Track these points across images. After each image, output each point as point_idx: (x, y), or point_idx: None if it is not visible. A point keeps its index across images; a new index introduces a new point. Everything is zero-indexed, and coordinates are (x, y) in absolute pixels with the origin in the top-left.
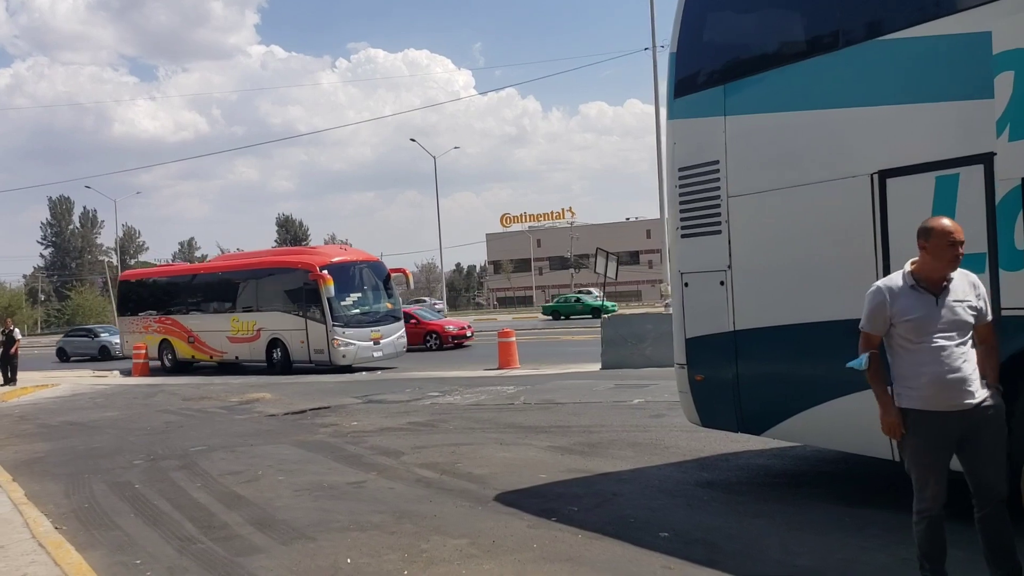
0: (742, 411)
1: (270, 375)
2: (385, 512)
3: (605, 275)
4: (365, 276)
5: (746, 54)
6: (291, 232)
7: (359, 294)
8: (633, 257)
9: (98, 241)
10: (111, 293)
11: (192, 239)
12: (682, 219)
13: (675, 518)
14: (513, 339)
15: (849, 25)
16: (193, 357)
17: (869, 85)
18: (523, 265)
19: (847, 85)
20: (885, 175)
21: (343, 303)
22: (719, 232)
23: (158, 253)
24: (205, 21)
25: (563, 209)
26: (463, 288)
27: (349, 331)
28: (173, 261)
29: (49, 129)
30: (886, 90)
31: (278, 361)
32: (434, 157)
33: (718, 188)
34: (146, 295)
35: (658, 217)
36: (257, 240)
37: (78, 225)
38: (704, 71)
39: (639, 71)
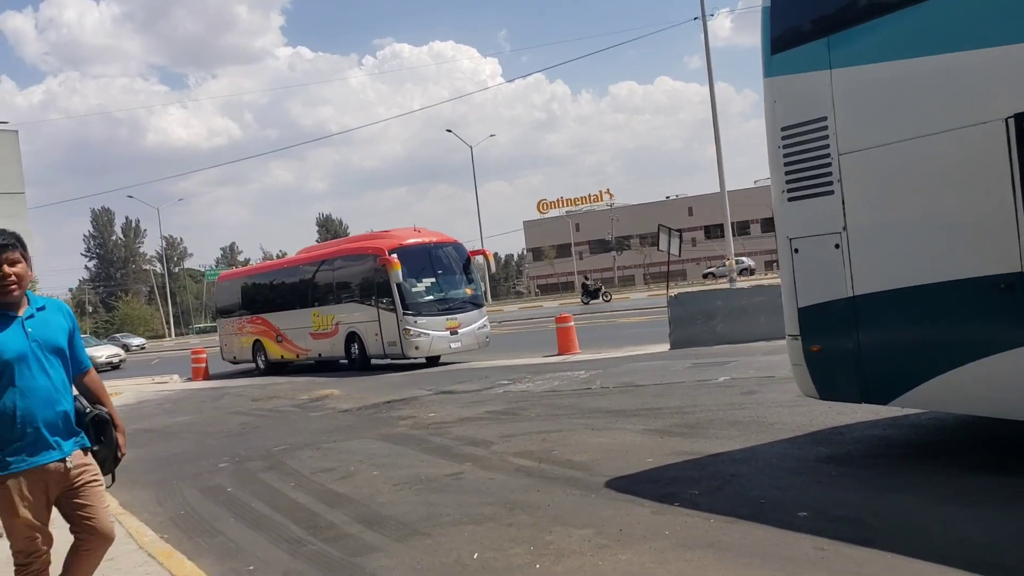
0: (866, 380)
1: (347, 373)
2: (495, 504)
3: (669, 252)
4: (440, 259)
5: (851, 3)
6: (331, 231)
7: (432, 279)
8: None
9: (141, 250)
10: (158, 301)
11: (233, 244)
12: (788, 181)
13: (808, 496)
14: (572, 323)
15: None
16: (282, 357)
17: (1002, 22)
18: (563, 251)
19: (975, 25)
20: (1022, 118)
21: (414, 289)
22: (831, 192)
23: (201, 260)
24: (231, 26)
25: (600, 192)
26: (502, 278)
27: (422, 320)
28: (217, 267)
29: (84, 143)
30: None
31: (356, 356)
32: (470, 147)
33: (827, 146)
34: (238, 295)
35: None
36: (299, 241)
37: (120, 236)
38: (804, 24)
39: (667, 48)
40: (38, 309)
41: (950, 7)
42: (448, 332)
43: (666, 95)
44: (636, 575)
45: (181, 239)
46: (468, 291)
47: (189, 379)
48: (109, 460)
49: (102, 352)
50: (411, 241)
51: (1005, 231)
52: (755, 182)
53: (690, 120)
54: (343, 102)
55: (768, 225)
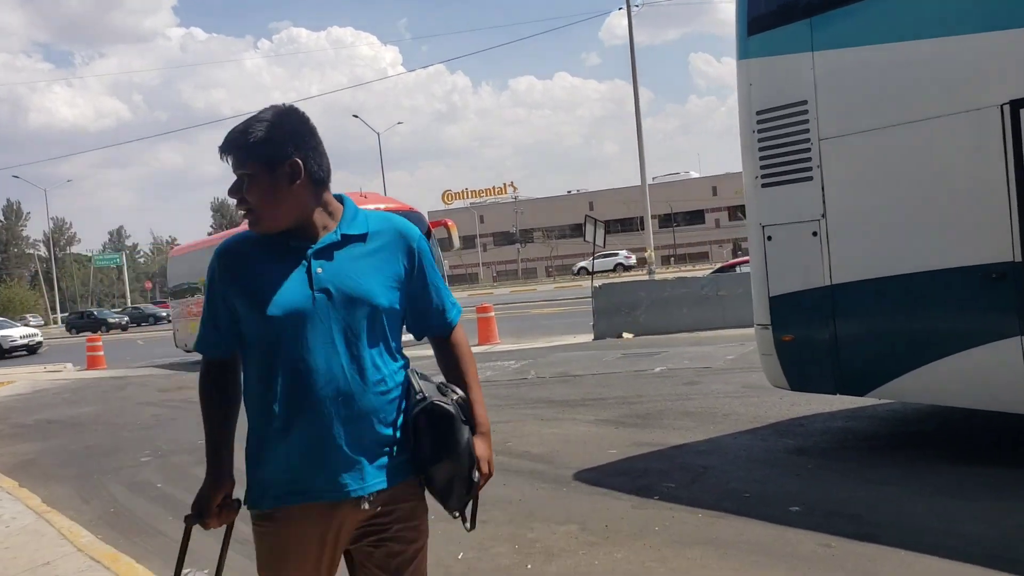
0: (842, 372)
1: None
2: None
3: (594, 243)
4: None
5: None
6: (227, 217)
7: None
8: (576, 230)
9: (24, 233)
10: (41, 286)
11: (122, 228)
12: (763, 167)
13: (792, 490)
14: (492, 314)
15: None
16: None
17: (1002, 6)
18: (467, 242)
19: (972, 9)
20: (1019, 105)
21: None
22: (809, 179)
23: (88, 244)
24: (120, 3)
25: (505, 184)
26: None
27: None
28: (104, 252)
29: None
30: (1018, 11)
31: None
32: (378, 133)
33: (807, 131)
34: (189, 272)
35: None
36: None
37: (1, 218)
38: (784, 4)
39: (565, 44)
40: (349, 237)
41: None
42: None
43: (564, 91)
44: (638, 575)
45: (70, 223)
46: None
47: (83, 368)
48: (456, 488)
49: (16, 333)
50: None
51: (998, 220)
52: (653, 178)
53: (588, 117)
54: (237, 85)
55: (665, 221)
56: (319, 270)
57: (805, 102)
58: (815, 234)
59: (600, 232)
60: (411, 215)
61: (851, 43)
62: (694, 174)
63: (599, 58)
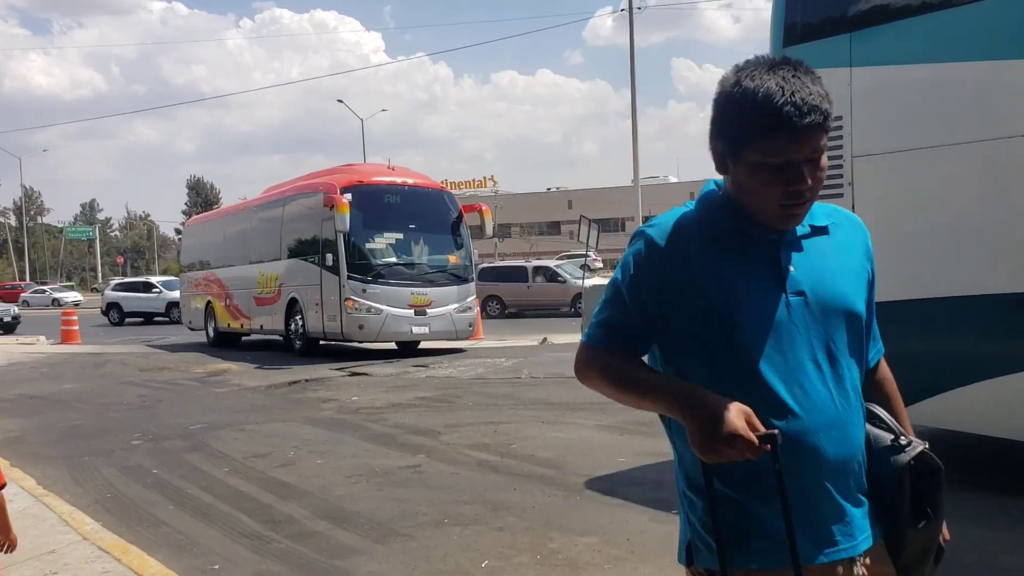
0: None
1: (284, 355)
2: (473, 502)
3: (587, 243)
4: (415, 208)
5: (882, 0)
6: (202, 195)
7: (400, 235)
8: (554, 227)
9: None
10: (11, 255)
11: (94, 200)
12: None
13: None
14: (477, 309)
15: None
16: (229, 325)
17: None
18: None
19: (1017, 34)
20: None
21: (369, 245)
22: (840, 195)
23: (59, 216)
24: None
25: (485, 178)
26: None
27: (374, 289)
28: (75, 224)
29: None
30: None
31: (297, 334)
32: (361, 119)
33: (840, 147)
34: (199, 245)
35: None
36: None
37: None
38: (825, 17)
39: (549, 42)
40: (816, 229)
41: (995, 13)
42: (411, 311)
43: (547, 88)
44: None
45: (39, 193)
46: (451, 258)
47: (56, 342)
48: (926, 559)
49: None
50: (376, 179)
51: None
52: (631, 181)
53: (569, 114)
54: (218, 63)
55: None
56: (792, 268)
57: (840, 118)
58: None
59: (594, 234)
60: (441, 195)
61: (892, 61)
62: (672, 179)
63: (582, 57)
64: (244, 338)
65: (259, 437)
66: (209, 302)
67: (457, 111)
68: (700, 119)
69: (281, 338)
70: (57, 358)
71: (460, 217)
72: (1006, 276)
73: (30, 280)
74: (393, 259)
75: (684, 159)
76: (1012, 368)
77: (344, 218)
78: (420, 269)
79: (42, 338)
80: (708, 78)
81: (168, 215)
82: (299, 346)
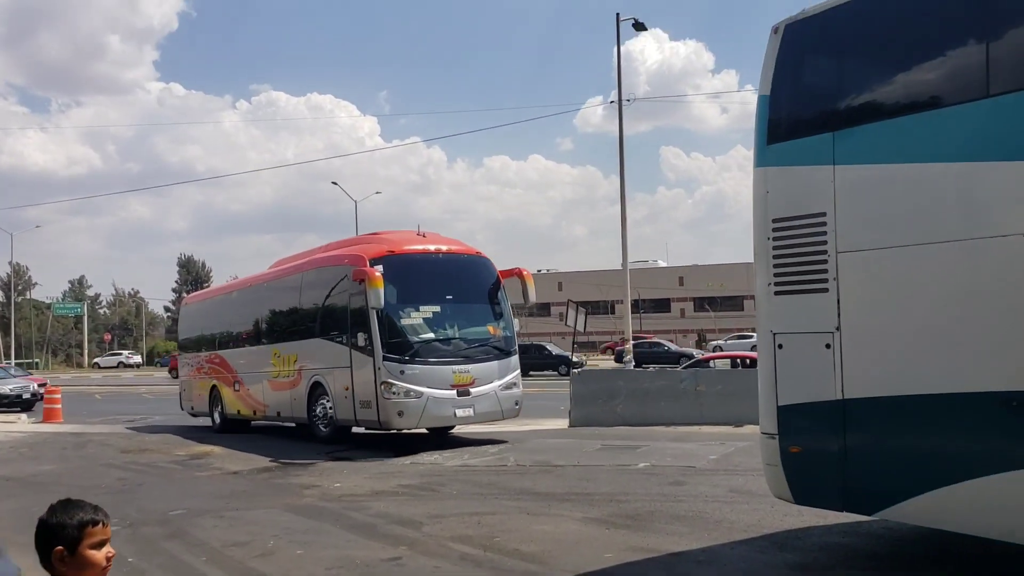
0: (850, 489)
1: (282, 437)
2: None
3: (575, 327)
4: (451, 277)
5: (864, 99)
6: (192, 273)
7: (437, 307)
8: (544, 309)
9: None
10: None
11: (83, 277)
12: (776, 274)
13: None
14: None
15: (1004, 71)
16: (239, 412)
17: None
18: None
19: (1000, 137)
20: None
21: (405, 320)
22: (825, 291)
23: (48, 291)
24: (101, 55)
25: None
26: None
27: (413, 369)
28: (64, 300)
29: None
30: None
31: (322, 418)
32: (355, 201)
33: (825, 243)
34: (200, 324)
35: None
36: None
37: None
38: (807, 116)
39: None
40: None
41: (978, 115)
42: (454, 392)
43: (538, 173)
44: None
45: (27, 268)
46: (492, 330)
47: (38, 420)
48: None
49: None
50: (408, 248)
51: (1021, 347)
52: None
53: (559, 199)
54: (213, 143)
55: (634, 307)
56: None
57: (824, 214)
58: (828, 346)
59: (582, 318)
60: (477, 260)
61: (875, 160)
62: (662, 263)
63: (572, 144)
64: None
65: (239, 524)
66: (214, 386)
67: (450, 193)
68: (688, 205)
69: (294, 425)
70: (38, 438)
71: (499, 284)
72: (991, 374)
73: (15, 357)
74: (431, 335)
75: (673, 243)
76: (999, 468)
77: (378, 293)
78: (460, 344)
79: (23, 416)
80: (696, 166)
81: (157, 292)
82: (324, 433)
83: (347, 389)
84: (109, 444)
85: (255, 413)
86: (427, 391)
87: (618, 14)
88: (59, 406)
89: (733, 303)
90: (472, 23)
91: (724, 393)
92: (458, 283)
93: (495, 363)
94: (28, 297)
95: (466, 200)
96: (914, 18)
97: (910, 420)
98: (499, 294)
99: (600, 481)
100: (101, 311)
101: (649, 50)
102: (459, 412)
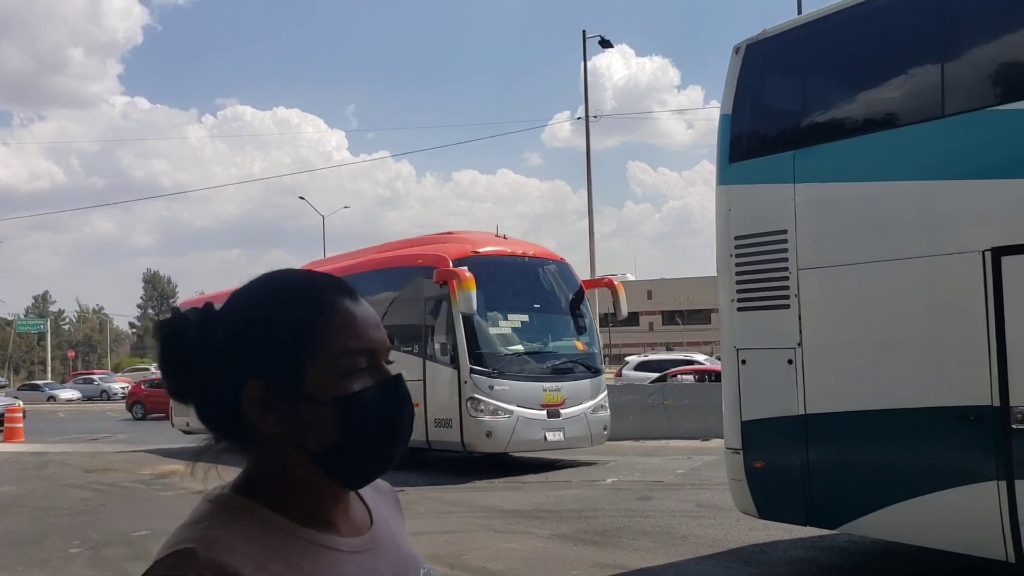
0: (814, 503)
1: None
2: None
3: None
4: (535, 285)
5: (823, 119)
6: (158, 289)
7: (524, 316)
8: None
9: None
10: None
11: (47, 293)
12: (739, 291)
13: None
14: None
15: (959, 92)
16: None
17: (985, 157)
18: None
19: (958, 156)
20: (999, 252)
21: (492, 330)
22: (787, 307)
23: (11, 307)
24: (64, 68)
25: None
26: None
27: (502, 386)
28: (26, 317)
29: None
30: (1006, 163)
31: None
32: (323, 216)
33: (786, 259)
34: None
35: None
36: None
37: None
38: (768, 135)
39: (509, 143)
40: None
41: (928, 135)
42: (544, 412)
43: (507, 187)
44: None
45: None
46: (579, 345)
47: None
48: None
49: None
50: (493, 249)
51: (977, 363)
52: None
53: (529, 212)
54: (178, 157)
55: (603, 320)
56: None
57: (785, 231)
58: (790, 362)
59: None
60: (563, 267)
61: (834, 178)
62: (631, 277)
63: (540, 159)
64: None
65: None
66: None
67: (419, 207)
68: (656, 219)
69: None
70: None
71: (583, 294)
72: (947, 390)
73: None
74: (520, 347)
75: (641, 257)
76: (957, 481)
77: (469, 297)
78: (550, 359)
79: None
80: (663, 180)
81: (122, 308)
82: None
83: (416, 406)
84: (71, 464)
85: None
86: (516, 410)
87: (584, 31)
88: (20, 425)
89: (700, 316)
90: (440, 39)
91: (691, 407)
92: (543, 291)
93: (587, 382)
94: None
95: (435, 214)
96: (871, 40)
97: (870, 435)
98: (583, 305)
99: (568, 497)
100: (65, 327)
101: (616, 66)
102: (549, 436)
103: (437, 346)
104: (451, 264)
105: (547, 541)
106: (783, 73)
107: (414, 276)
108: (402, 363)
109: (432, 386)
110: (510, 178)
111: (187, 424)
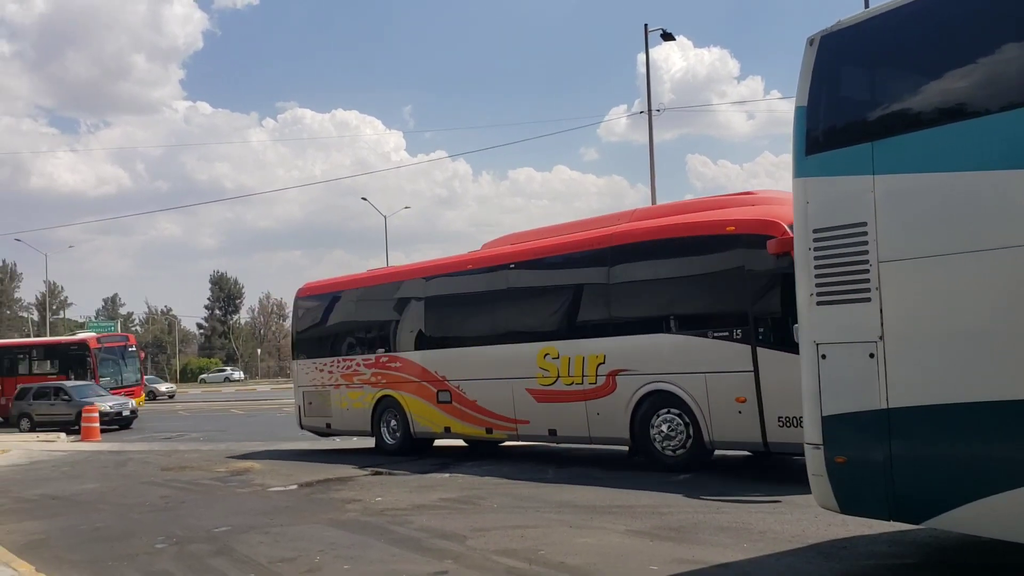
0: (897, 498)
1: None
2: None
3: None
4: None
5: (902, 108)
6: (224, 290)
7: None
8: None
9: (16, 295)
10: None
11: (116, 295)
12: (818, 285)
13: None
14: None
15: None
16: (447, 429)
17: None
18: None
19: None
20: None
21: None
22: (868, 300)
23: (82, 310)
24: (127, 74)
25: None
26: None
27: None
28: (96, 319)
29: None
30: None
31: (670, 439)
32: (385, 216)
33: (866, 252)
34: (342, 318)
35: None
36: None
37: None
38: (845, 127)
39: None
40: None
41: (1019, 123)
42: None
43: (563, 183)
44: None
45: (62, 287)
46: None
47: (77, 439)
48: None
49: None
50: None
51: None
52: None
53: (585, 208)
54: (240, 160)
55: None
56: None
57: (864, 224)
58: (872, 356)
59: None
60: None
61: (915, 169)
62: None
63: (597, 154)
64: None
65: (284, 540)
66: (385, 397)
67: (475, 206)
68: None
69: (623, 447)
70: (78, 456)
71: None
72: None
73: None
74: None
75: None
76: None
77: None
78: None
79: (62, 435)
80: (723, 173)
81: (189, 309)
82: (673, 459)
83: (741, 401)
84: (148, 462)
85: (489, 432)
86: None
87: (646, 25)
88: (96, 424)
89: None
90: (493, 37)
91: None
92: None
93: None
94: (63, 316)
95: (492, 213)
96: (951, 26)
97: (957, 428)
98: None
99: (641, 493)
100: (134, 329)
101: (673, 58)
102: None
103: (772, 331)
104: (788, 228)
105: (622, 536)
106: (860, 63)
107: (721, 247)
108: (711, 352)
109: (767, 378)
110: (566, 174)
111: (327, 424)
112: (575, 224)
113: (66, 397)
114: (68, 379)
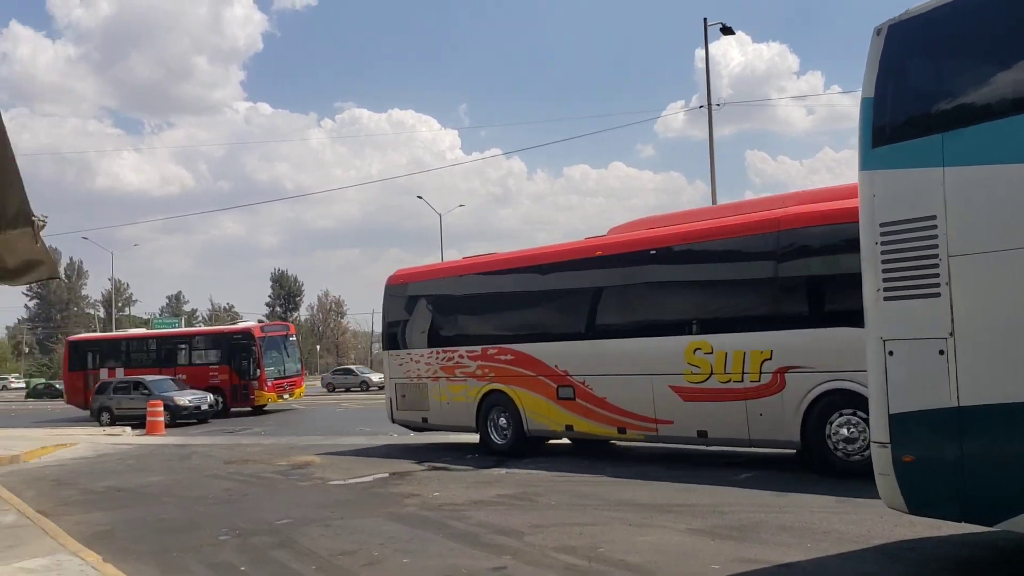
0: (969, 499)
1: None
2: None
3: None
4: None
5: (973, 99)
6: (285, 287)
7: None
8: None
9: (83, 293)
10: None
11: (180, 293)
12: (886, 279)
13: None
14: None
15: None
16: (569, 427)
17: None
18: None
19: None
20: None
21: None
22: (937, 295)
23: (147, 307)
24: (189, 76)
25: None
26: None
27: None
28: (160, 316)
29: (31, 180)
30: None
31: (848, 442)
32: (440, 214)
33: (935, 246)
34: (445, 307)
35: None
36: (248, 295)
37: (64, 277)
38: (913, 118)
39: (621, 135)
40: None
41: None
42: None
43: (619, 180)
44: None
45: (127, 285)
46: None
47: (142, 433)
48: None
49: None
50: None
51: None
52: None
53: (642, 206)
54: (300, 160)
55: None
56: None
57: (934, 217)
58: (941, 352)
59: None
60: None
61: (986, 160)
62: None
63: (654, 150)
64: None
65: (345, 533)
66: (493, 391)
67: (530, 204)
68: None
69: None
70: (143, 449)
71: None
72: None
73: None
74: None
75: None
76: None
77: None
78: None
79: (128, 429)
80: (783, 169)
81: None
82: (848, 464)
83: None
84: (212, 455)
85: (623, 431)
86: None
87: (706, 19)
88: (161, 419)
89: None
90: (548, 32)
91: None
92: None
93: None
94: (128, 314)
95: (547, 210)
96: (1022, 14)
97: None
98: None
99: (701, 492)
100: (198, 325)
101: (732, 53)
102: None
103: None
104: None
105: (683, 535)
106: (928, 53)
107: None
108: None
109: None
110: (622, 171)
111: (424, 418)
112: (714, 209)
113: (145, 391)
114: (229, 369)
